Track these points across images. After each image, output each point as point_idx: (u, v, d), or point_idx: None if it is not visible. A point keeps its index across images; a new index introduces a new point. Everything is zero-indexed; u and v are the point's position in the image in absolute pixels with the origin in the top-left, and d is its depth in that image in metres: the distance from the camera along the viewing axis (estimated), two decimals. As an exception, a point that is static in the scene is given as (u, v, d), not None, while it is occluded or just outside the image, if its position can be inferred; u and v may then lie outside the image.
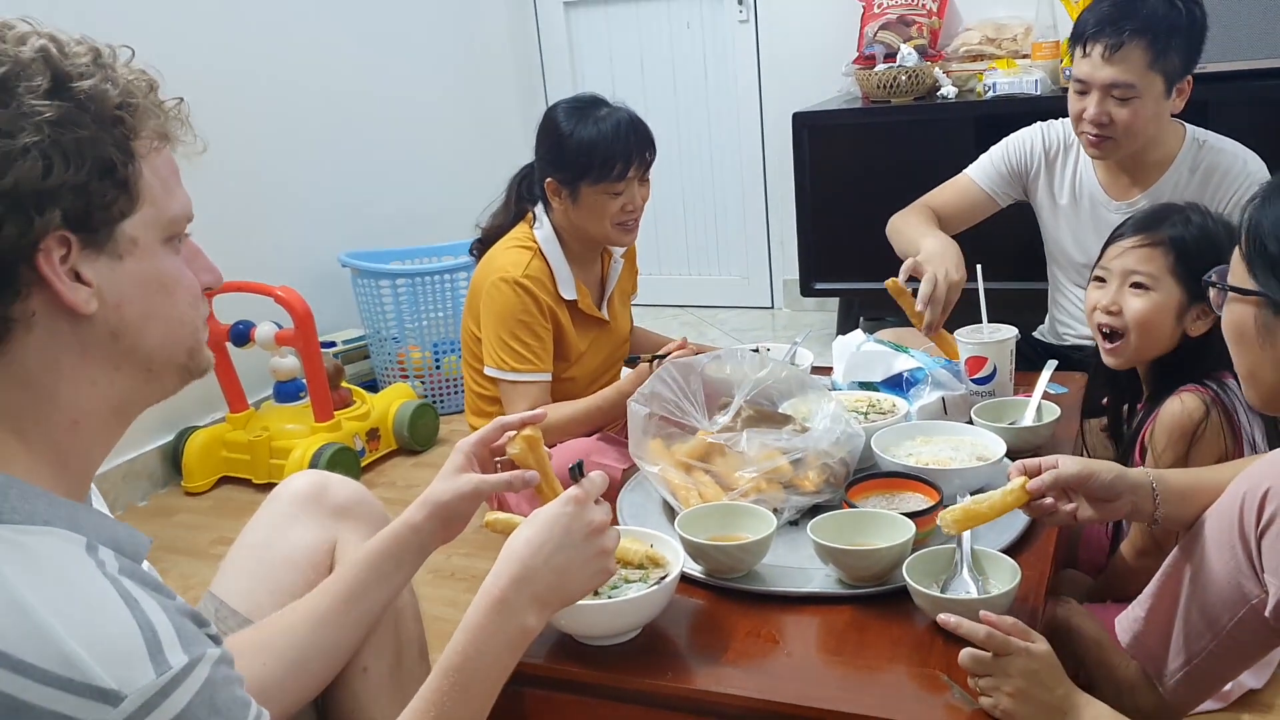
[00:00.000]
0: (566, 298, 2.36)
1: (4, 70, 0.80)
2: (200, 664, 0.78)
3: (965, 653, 1.23)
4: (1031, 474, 1.40)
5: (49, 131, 0.80)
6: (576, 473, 1.23)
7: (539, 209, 2.39)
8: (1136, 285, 1.76)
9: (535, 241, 2.35)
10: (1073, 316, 2.52)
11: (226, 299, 3.01)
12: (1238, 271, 1.15)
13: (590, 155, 2.24)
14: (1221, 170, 2.27)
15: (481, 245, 2.48)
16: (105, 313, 0.85)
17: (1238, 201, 2.21)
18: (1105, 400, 1.98)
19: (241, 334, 3.08)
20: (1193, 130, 2.32)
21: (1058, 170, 2.46)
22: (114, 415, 0.90)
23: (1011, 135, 2.51)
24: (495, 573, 1.14)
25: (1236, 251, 1.16)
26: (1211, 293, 1.21)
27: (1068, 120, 2.37)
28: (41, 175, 0.79)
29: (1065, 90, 3.25)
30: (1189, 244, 1.73)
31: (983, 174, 2.51)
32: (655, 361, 2.16)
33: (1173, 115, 2.27)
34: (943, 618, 1.27)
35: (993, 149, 2.53)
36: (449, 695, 1.08)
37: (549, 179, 2.31)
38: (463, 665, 1.09)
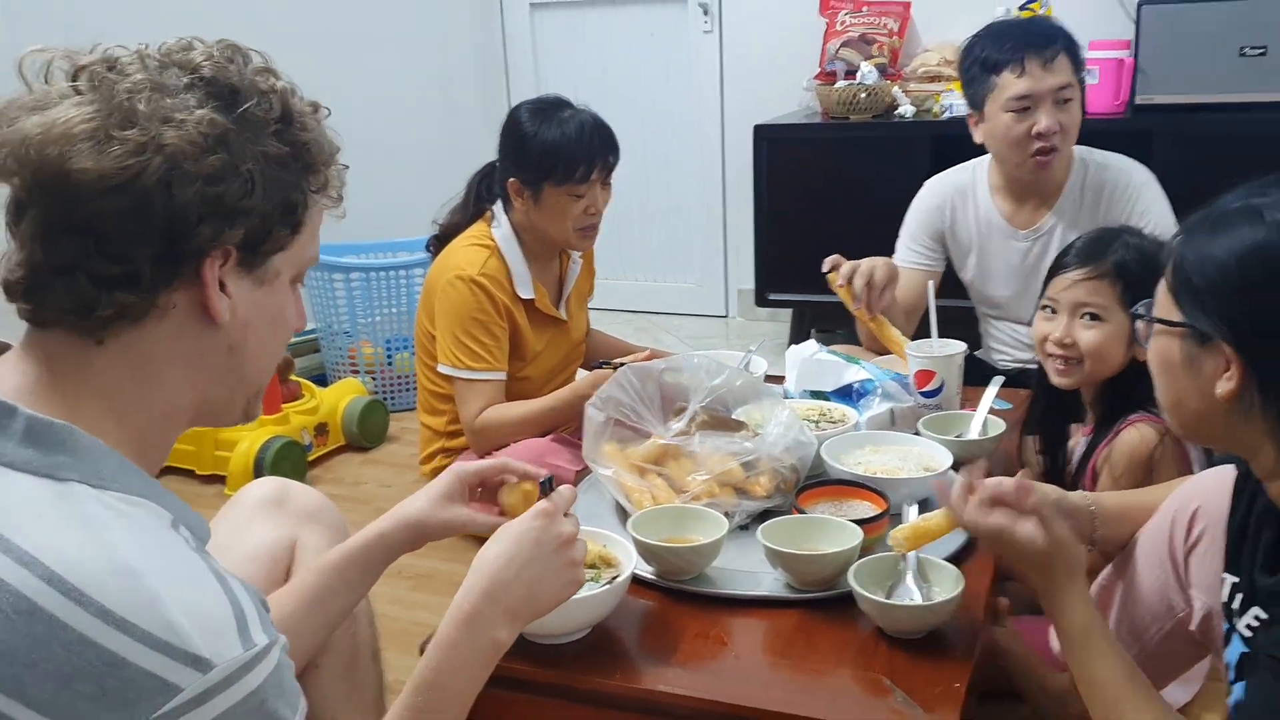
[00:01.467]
0: (523, 296, 2.37)
1: (255, 105, 0.89)
2: (275, 646, 0.83)
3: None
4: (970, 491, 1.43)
5: (264, 164, 0.89)
6: (547, 487, 1.24)
7: (498, 208, 2.39)
8: (1088, 316, 1.80)
9: (493, 240, 2.35)
10: (1004, 344, 2.58)
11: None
12: (1163, 304, 1.16)
13: (554, 156, 2.25)
14: (1110, 185, 2.36)
15: (438, 242, 2.47)
16: (232, 327, 0.91)
17: (1131, 212, 2.30)
18: (1042, 419, 2.03)
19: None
20: (1078, 150, 2.40)
21: (959, 216, 2.51)
22: (189, 421, 0.95)
23: (910, 210, 2.57)
24: (466, 587, 1.14)
25: (1162, 284, 1.17)
26: (1139, 324, 1.22)
27: (950, 172, 2.48)
28: (242, 196, 0.87)
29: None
30: (1133, 270, 1.78)
31: (905, 258, 2.56)
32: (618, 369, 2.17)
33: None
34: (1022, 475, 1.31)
35: (902, 232, 2.59)
36: (423, 711, 1.08)
37: (512, 179, 2.31)
38: (436, 681, 1.10)
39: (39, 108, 0.84)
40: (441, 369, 2.33)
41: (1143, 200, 2.31)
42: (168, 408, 0.91)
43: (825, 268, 2.24)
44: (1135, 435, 1.76)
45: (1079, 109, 2.30)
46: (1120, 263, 1.80)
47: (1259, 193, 1.09)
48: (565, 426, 2.41)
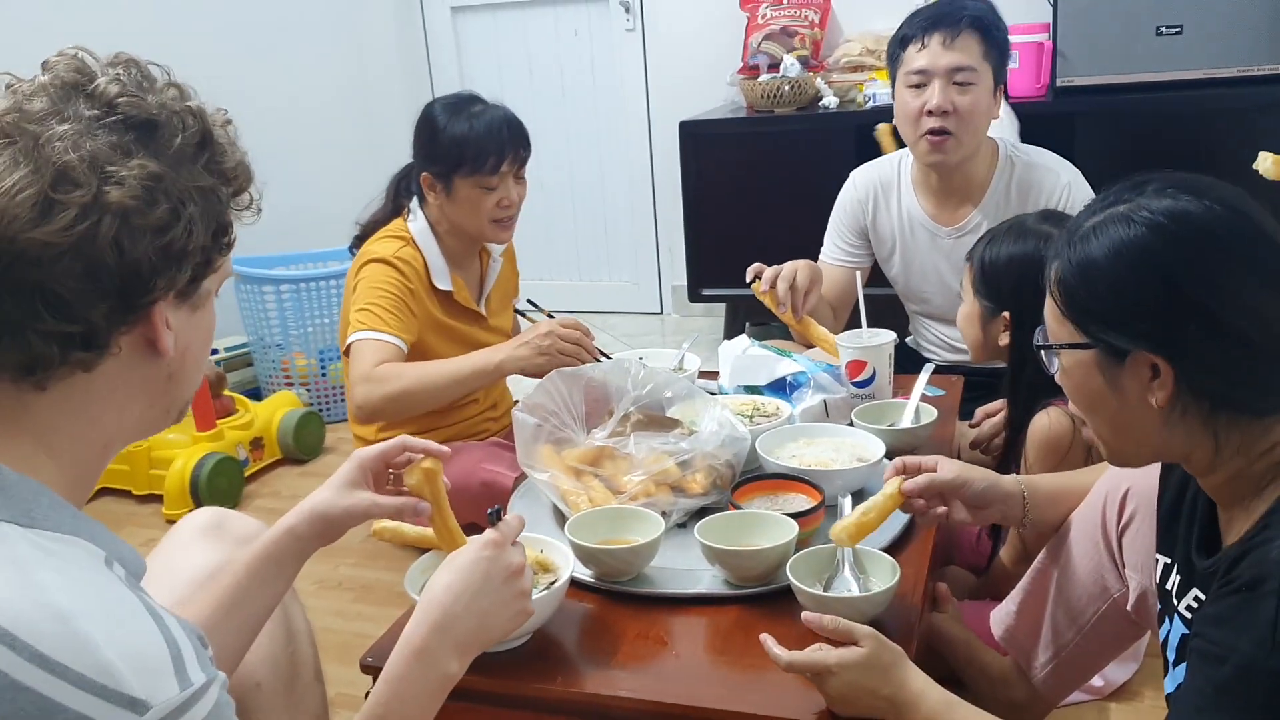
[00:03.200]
0: (440, 287, 2.34)
1: (177, 135, 0.87)
2: (214, 684, 0.81)
3: (784, 663, 1.23)
4: (911, 473, 1.45)
5: (199, 200, 0.88)
6: (494, 517, 1.24)
7: (414, 204, 2.38)
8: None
9: (408, 233, 2.34)
10: (932, 344, 2.57)
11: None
12: (1059, 331, 1.13)
13: (463, 148, 2.25)
14: (1037, 183, 2.33)
15: (359, 241, 2.45)
16: (173, 357, 0.91)
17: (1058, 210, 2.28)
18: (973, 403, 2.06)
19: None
20: (1004, 147, 2.39)
21: (883, 210, 2.50)
22: (126, 445, 0.95)
23: (835, 205, 2.57)
24: (415, 620, 1.14)
25: (1050, 312, 1.14)
26: (1044, 357, 1.18)
27: (873, 163, 2.47)
28: (187, 238, 0.87)
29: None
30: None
31: (830, 254, 2.57)
32: (539, 314, 2.13)
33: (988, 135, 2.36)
34: (807, 617, 1.29)
35: (829, 227, 2.58)
36: None
37: (424, 173, 2.31)
38: (386, 715, 1.09)
39: None
40: (348, 342, 2.23)
41: (1070, 198, 2.29)
42: (106, 439, 0.91)
43: (748, 277, 2.26)
44: (1044, 421, 1.79)
45: (983, 95, 2.25)
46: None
47: (1113, 201, 1.09)
48: (501, 428, 2.39)
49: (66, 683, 0.73)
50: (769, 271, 2.23)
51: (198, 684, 0.79)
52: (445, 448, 1.34)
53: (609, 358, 2.08)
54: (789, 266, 2.22)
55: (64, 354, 0.83)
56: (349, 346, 2.21)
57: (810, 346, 2.29)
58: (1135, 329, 1.06)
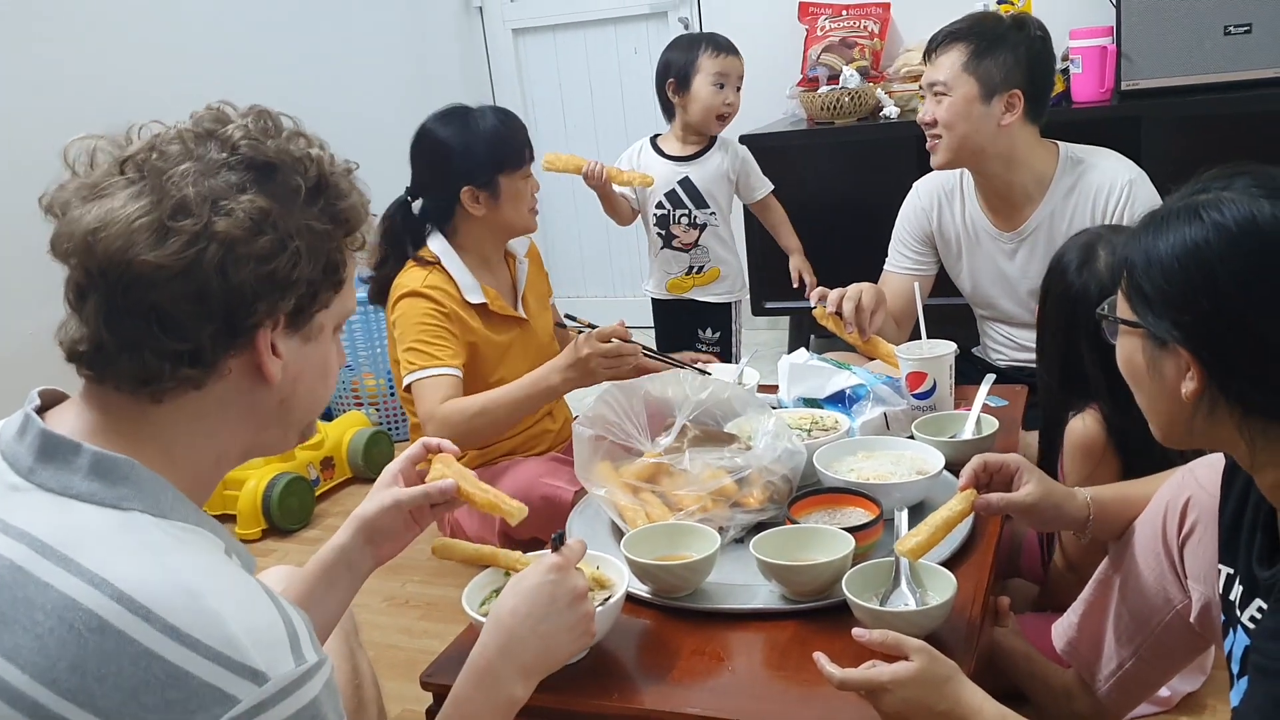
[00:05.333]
0: (474, 301, 2.36)
1: (292, 178, 0.95)
2: (325, 665, 0.87)
3: (837, 681, 1.22)
4: (992, 470, 1.47)
5: (308, 236, 0.94)
6: (558, 541, 1.25)
7: (427, 228, 2.41)
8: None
9: (433, 255, 2.37)
10: (999, 344, 2.57)
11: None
12: (1123, 306, 1.15)
13: (502, 146, 2.33)
14: (1097, 184, 2.32)
15: (379, 292, 2.46)
16: (283, 383, 0.97)
17: (1121, 211, 2.28)
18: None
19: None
20: (1066, 150, 2.39)
21: (947, 217, 2.52)
22: (240, 460, 1.03)
23: (899, 215, 2.60)
24: (482, 643, 1.18)
25: (1121, 286, 1.16)
26: (1104, 325, 1.21)
27: (936, 172, 2.47)
28: (291, 269, 0.93)
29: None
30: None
31: (896, 264, 2.58)
32: (586, 330, 2.14)
33: (1045, 137, 2.37)
34: (856, 632, 1.28)
35: (893, 237, 2.61)
36: None
37: (466, 187, 2.33)
38: None
39: (93, 196, 0.90)
40: (405, 382, 2.30)
41: (1133, 198, 2.27)
42: (220, 453, 0.98)
43: (812, 301, 2.25)
44: (1079, 425, 1.77)
45: (959, 103, 2.28)
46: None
47: (1201, 189, 1.08)
48: (559, 444, 2.41)
49: (195, 653, 0.80)
50: (834, 295, 2.21)
51: (311, 662, 0.85)
52: (454, 447, 1.41)
53: (655, 353, 2.13)
54: (854, 289, 2.21)
55: (174, 370, 0.91)
56: (408, 386, 2.28)
57: (872, 359, 2.28)
58: (1176, 322, 1.06)
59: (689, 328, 3.16)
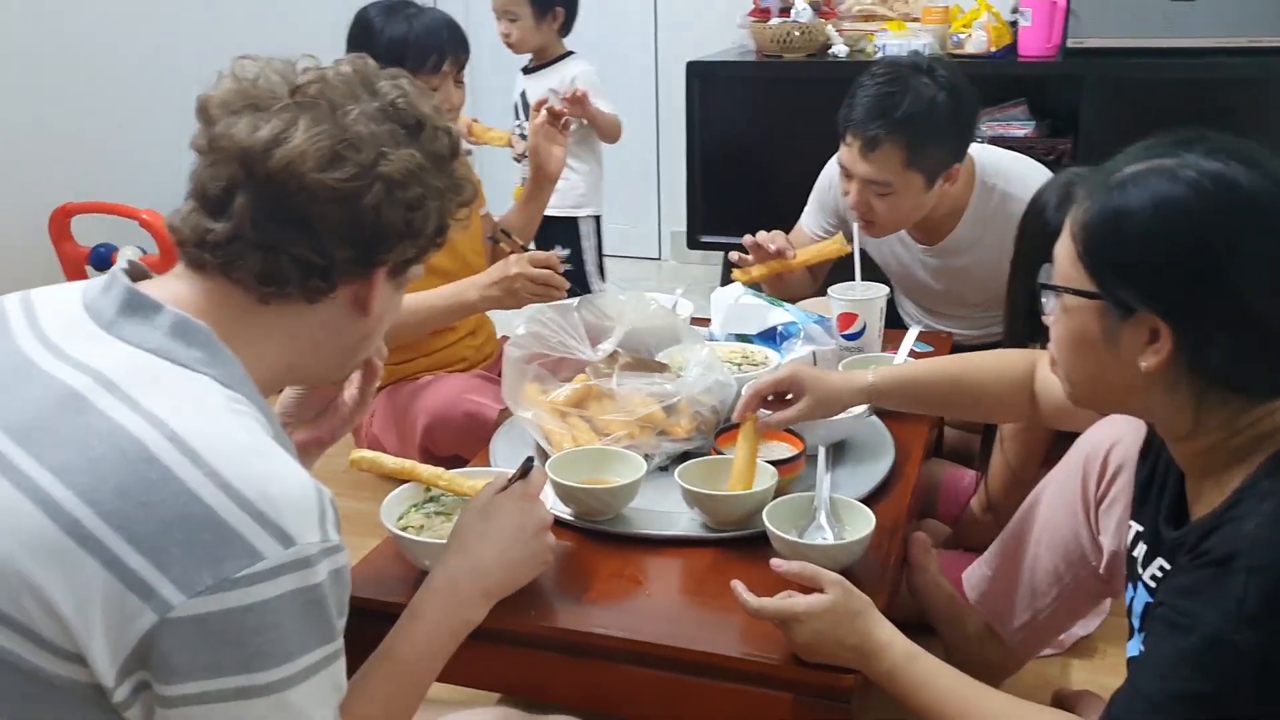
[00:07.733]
0: None
1: (435, 140, 1.04)
2: (341, 552, 0.92)
3: (752, 609, 1.24)
4: (762, 396, 1.54)
5: (440, 196, 1.04)
6: (524, 470, 1.28)
7: None
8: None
9: None
10: (910, 316, 2.49)
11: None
12: (1070, 274, 1.07)
13: (404, 48, 2.19)
14: (1015, 203, 2.05)
15: None
16: (371, 319, 1.05)
17: None
18: None
19: (103, 258, 3.00)
20: (982, 174, 2.21)
21: None
22: (300, 380, 1.18)
23: (817, 182, 2.43)
24: (447, 564, 1.19)
25: (1064, 249, 1.08)
26: (1043, 295, 1.13)
27: None
28: (425, 221, 1.03)
29: (952, 56, 3.35)
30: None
31: (810, 224, 2.43)
32: (514, 247, 2.14)
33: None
34: (774, 563, 1.30)
35: (811, 197, 2.45)
36: (391, 680, 1.09)
37: None
38: (408, 651, 1.11)
39: (261, 110, 0.97)
40: None
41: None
42: (292, 365, 1.05)
43: (733, 257, 2.23)
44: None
45: (905, 198, 2.07)
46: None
47: (1162, 154, 1.03)
48: (485, 360, 2.39)
49: (234, 503, 0.85)
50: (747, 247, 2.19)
51: (334, 541, 0.90)
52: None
53: (575, 296, 2.07)
54: (762, 235, 2.20)
55: (302, 279, 0.98)
56: None
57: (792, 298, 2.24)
58: (1151, 289, 1.01)
59: (540, 245, 2.91)
